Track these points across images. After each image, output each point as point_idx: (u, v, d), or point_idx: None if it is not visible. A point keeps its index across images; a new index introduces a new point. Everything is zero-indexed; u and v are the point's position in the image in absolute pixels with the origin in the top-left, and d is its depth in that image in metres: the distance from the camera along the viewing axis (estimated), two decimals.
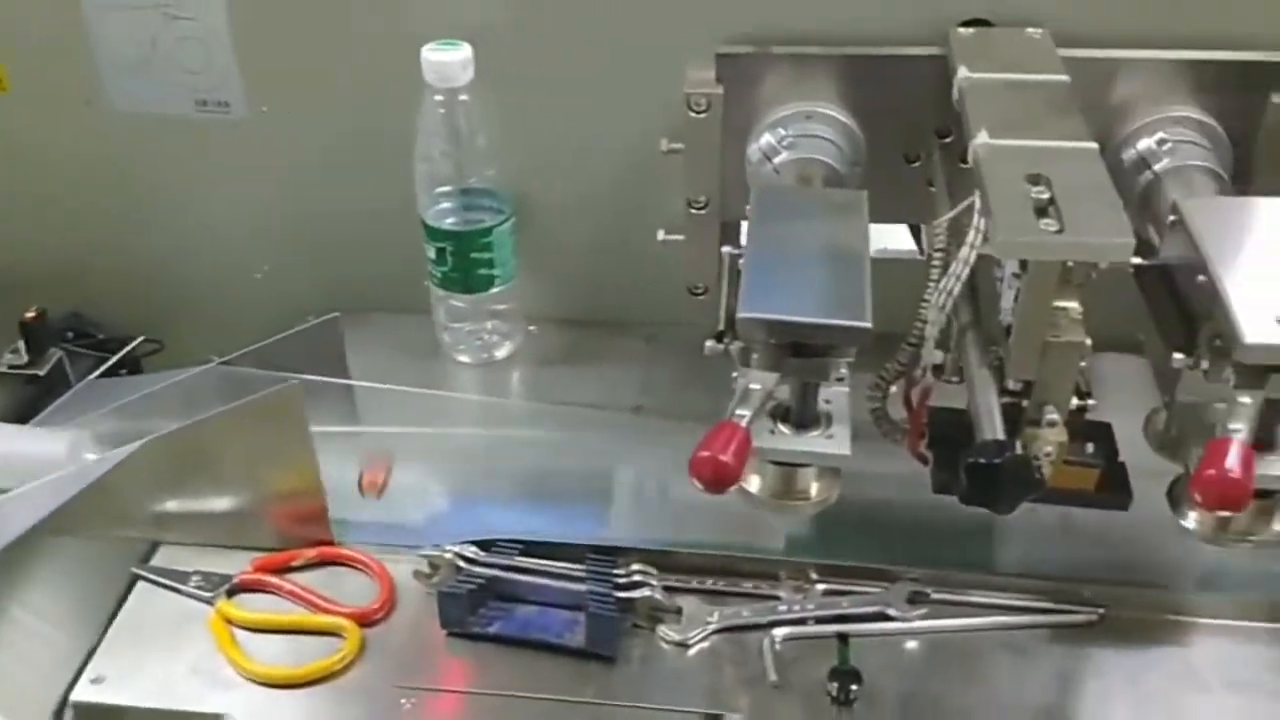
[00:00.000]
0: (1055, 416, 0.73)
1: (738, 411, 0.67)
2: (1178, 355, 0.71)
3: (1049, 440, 0.73)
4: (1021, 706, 0.78)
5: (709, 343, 0.73)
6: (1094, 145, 0.74)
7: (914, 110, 0.90)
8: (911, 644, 0.81)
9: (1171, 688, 0.78)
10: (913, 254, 0.94)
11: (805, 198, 0.82)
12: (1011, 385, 0.73)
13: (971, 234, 0.70)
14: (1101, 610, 0.82)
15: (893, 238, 0.95)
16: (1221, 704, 0.77)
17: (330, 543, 0.85)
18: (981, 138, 0.74)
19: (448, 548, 0.82)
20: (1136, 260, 0.78)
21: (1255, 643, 0.81)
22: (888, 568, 0.84)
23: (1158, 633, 0.82)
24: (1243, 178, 0.87)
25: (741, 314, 0.68)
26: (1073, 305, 0.71)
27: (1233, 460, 0.61)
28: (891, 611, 0.81)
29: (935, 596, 0.82)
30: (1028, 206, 0.69)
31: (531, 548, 0.83)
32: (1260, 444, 0.67)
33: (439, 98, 0.93)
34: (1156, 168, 0.84)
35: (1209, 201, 0.77)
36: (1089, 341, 0.71)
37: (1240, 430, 0.63)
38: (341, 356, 0.96)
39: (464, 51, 0.91)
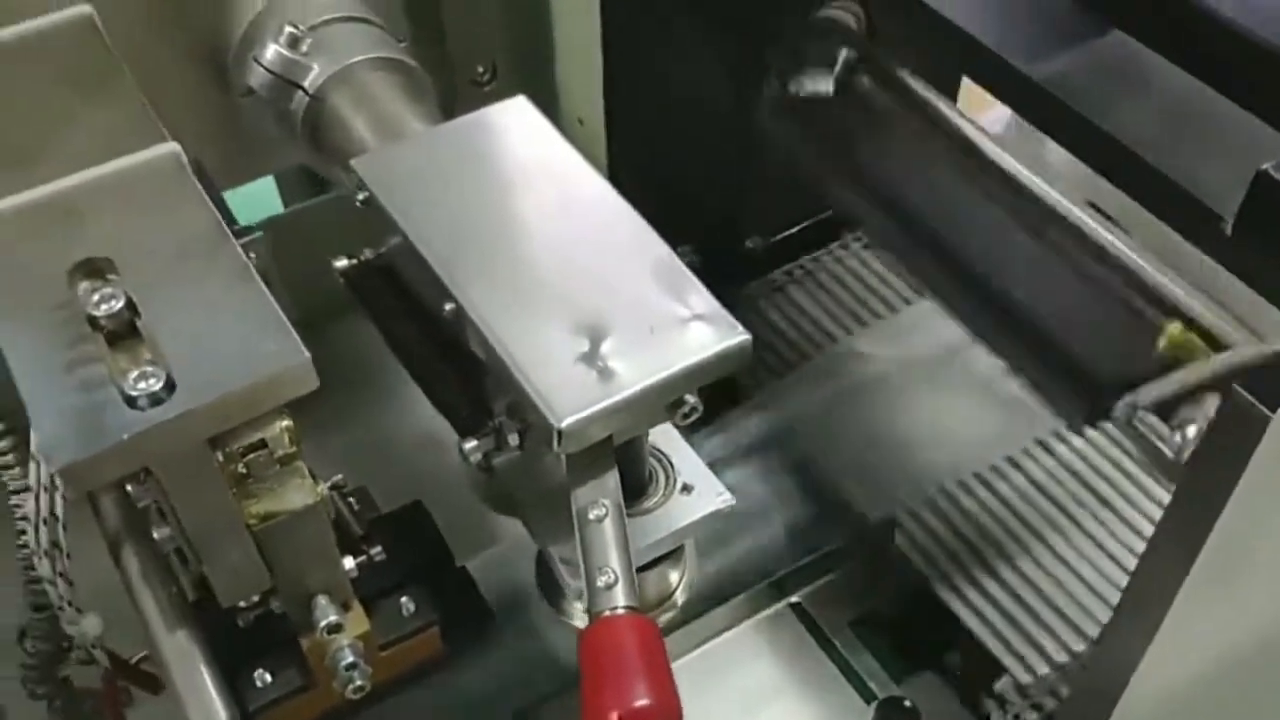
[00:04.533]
0: (335, 618, 0.42)
1: None
2: (469, 444, 0.42)
3: (346, 641, 0.44)
4: None
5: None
6: (171, 147, 0.40)
7: None
8: None
9: None
10: None
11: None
12: (243, 604, 0.42)
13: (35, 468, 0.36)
14: None
15: None
16: None
17: None
18: None
19: None
20: (341, 263, 0.49)
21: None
22: None
23: None
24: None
25: None
26: (273, 445, 0.39)
27: (638, 688, 0.34)
28: None
29: None
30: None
31: None
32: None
33: None
34: (307, 82, 0.52)
35: (387, 156, 0.45)
36: (323, 489, 0.40)
37: (614, 580, 0.36)
38: None
39: None
